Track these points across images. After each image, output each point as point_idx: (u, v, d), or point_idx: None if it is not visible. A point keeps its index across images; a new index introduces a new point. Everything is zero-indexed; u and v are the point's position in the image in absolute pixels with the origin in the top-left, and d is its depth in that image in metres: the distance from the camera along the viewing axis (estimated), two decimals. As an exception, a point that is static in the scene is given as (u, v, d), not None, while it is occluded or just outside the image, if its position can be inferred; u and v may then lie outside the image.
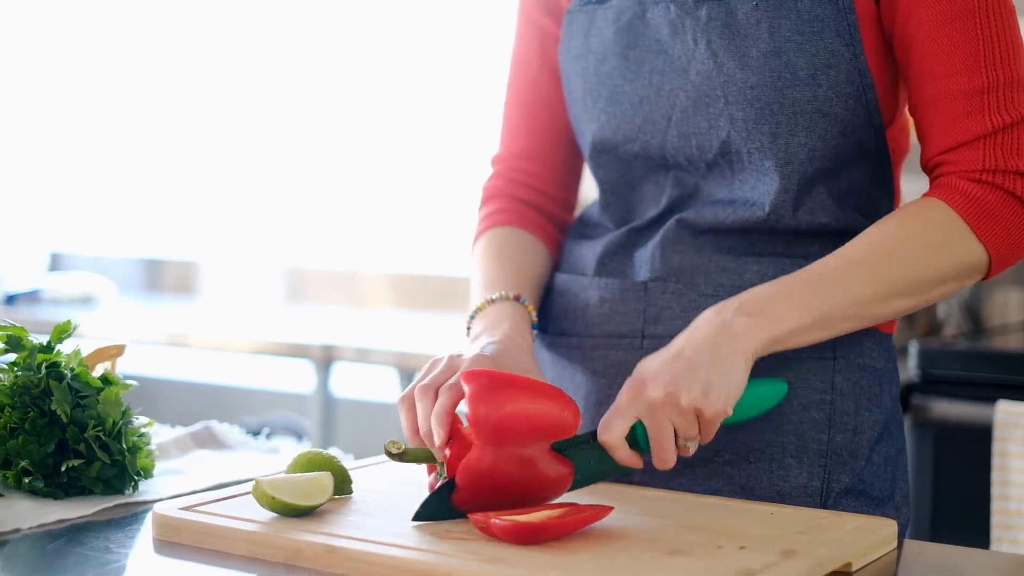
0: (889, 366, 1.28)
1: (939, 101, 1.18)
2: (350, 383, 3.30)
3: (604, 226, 1.35)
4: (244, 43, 3.88)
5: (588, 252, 1.33)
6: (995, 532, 2.06)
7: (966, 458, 2.17)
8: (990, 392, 2.15)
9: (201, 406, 3.73)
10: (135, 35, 4.09)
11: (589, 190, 1.43)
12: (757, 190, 1.22)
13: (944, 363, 2.24)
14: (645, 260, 1.27)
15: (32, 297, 3.39)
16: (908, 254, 1.14)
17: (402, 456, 1.08)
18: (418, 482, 1.15)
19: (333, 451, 1.33)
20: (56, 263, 4.19)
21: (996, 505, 2.06)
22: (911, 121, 1.30)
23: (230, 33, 3.91)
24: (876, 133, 1.23)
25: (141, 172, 4.12)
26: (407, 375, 2.86)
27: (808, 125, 1.20)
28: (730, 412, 1.08)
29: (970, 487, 2.15)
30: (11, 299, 3.35)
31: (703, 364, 1.08)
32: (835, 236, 1.23)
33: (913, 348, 2.28)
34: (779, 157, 1.20)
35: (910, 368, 2.28)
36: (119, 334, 2.94)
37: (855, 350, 1.24)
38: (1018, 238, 1.17)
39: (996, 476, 2.06)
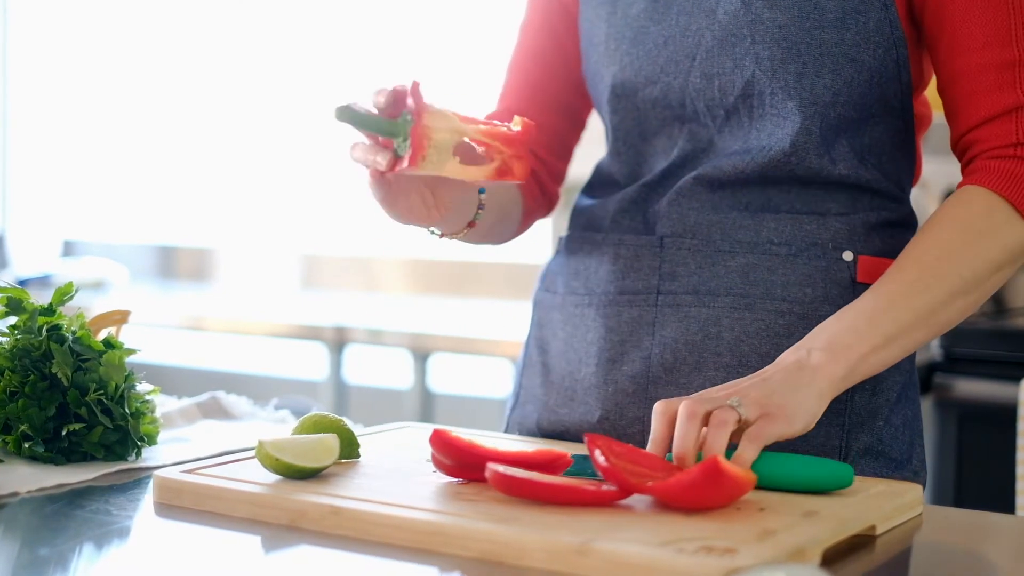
0: None
1: (969, 74, 1.16)
2: (363, 369, 3.28)
3: (614, 181, 1.33)
4: (255, 31, 3.86)
5: (599, 210, 1.32)
6: (1020, 513, 2.02)
7: (990, 438, 2.14)
8: (1014, 371, 2.11)
9: (213, 392, 3.71)
10: (147, 24, 4.07)
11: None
12: (775, 136, 1.20)
13: (968, 342, 2.21)
14: (661, 216, 1.25)
15: (43, 282, 3.37)
16: (959, 253, 1.12)
17: (347, 114, 1.06)
18: (428, 448, 1.11)
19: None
20: (69, 250, 4.17)
21: (1021, 485, 2.02)
22: (932, 96, 1.28)
23: (241, 21, 3.89)
24: (903, 90, 1.21)
25: (155, 160, 4.10)
26: (420, 357, 2.83)
27: (835, 67, 1.18)
28: (792, 432, 1.03)
29: (994, 467, 2.12)
30: (22, 284, 3.33)
31: (777, 385, 1.05)
32: (854, 191, 1.22)
33: (935, 327, 2.24)
34: (803, 98, 1.19)
35: (933, 347, 2.25)
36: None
37: None
38: None
39: (1021, 456, 2.03)
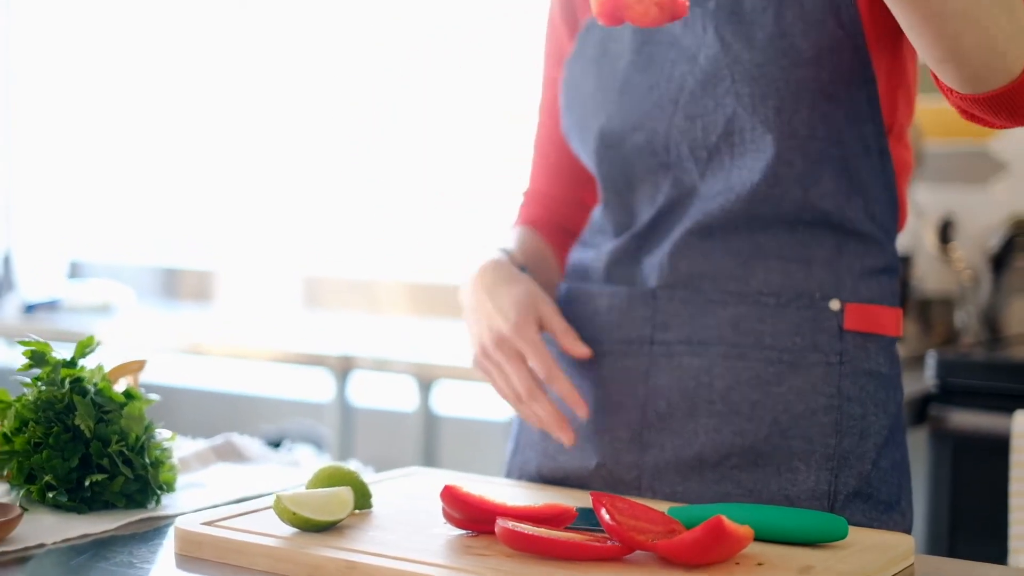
0: (894, 372, 1.30)
1: None
2: (368, 392, 3.31)
3: (604, 231, 1.38)
4: (263, 53, 3.90)
5: (593, 261, 1.37)
6: (1013, 543, 2.05)
7: (984, 469, 2.17)
8: (1008, 403, 2.14)
9: (219, 415, 3.75)
10: (155, 46, 4.11)
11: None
12: (755, 169, 1.25)
13: (962, 373, 2.24)
14: (654, 267, 1.30)
15: (51, 307, 3.41)
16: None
17: None
18: (436, 498, 1.15)
19: (352, 464, 1.35)
20: (75, 271, 4.21)
21: (1015, 516, 2.05)
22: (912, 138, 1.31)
23: (249, 44, 3.92)
24: (877, 131, 1.26)
25: (159, 181, 4.14)
26: (425, 384, 2.87)
27: (811, 104, 1.23)
28: None
29: (988, 498, 2.15)
30: (30, 309, 3.37)
31: None
32: (840, 235, 1.26)
33: (931, 358, 2.28)
34: (781, 131, 1.23)
35: (928, 378, 2.28)
36: (137, 342, 2.96)
37: (861, 355, 1.26)
38: None
39: (1014, 487, 2.05)
